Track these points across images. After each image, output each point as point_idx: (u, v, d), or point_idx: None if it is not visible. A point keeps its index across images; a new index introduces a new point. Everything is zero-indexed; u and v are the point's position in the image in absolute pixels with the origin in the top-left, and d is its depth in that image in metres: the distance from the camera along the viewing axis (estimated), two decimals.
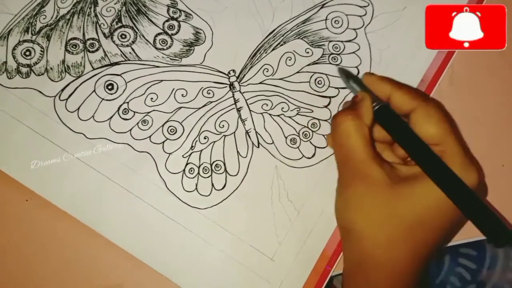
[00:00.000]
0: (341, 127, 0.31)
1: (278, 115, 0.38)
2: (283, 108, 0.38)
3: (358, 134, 0.31)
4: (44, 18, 0.38)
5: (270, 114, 0.38)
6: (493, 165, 0.38)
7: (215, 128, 0.37)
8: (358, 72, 0.39)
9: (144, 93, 0.37)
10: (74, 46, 0.38)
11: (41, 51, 0.38)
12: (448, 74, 0.39)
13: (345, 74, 0.35)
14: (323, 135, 0.38)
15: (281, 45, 0.39)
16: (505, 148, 0.39)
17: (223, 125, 0.38)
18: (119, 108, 0.37)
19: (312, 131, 0.38)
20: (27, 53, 0.37)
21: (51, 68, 0.37)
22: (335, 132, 0.32)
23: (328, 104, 0.38)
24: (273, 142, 0.38)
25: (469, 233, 0.36)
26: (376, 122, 0.32)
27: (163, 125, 0.37)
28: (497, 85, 0.39)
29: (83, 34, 0.38)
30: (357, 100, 0.33)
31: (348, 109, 0.32)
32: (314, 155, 0.38)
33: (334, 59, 0.39)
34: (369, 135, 0.31)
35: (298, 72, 0.39)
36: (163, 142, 0.37)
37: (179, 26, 0.39)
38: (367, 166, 0.30)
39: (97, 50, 0.38)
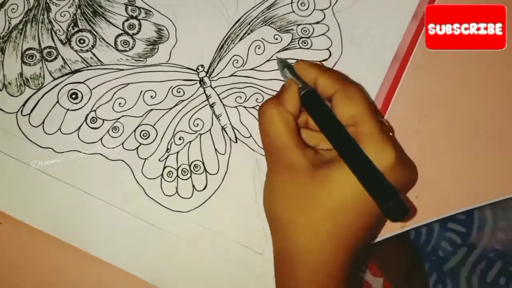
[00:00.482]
0: (264, 116, 0.31)
1: (253, 107, 0.37)
2: (257, 99, 0.37)
3: (281, 122, 0.31)
4: None
5: (244, 107, 0.37)
6: (475, 133, 0.38)
7: (189, 127, 0.36)
8: (330, 55, 0.38)
9: (111, 99, 0.36)
10: (30, 57, 0.36)
11: None
12: (421, 46, 0.38)
13: (282, 64, 0.35)
14: None
15: (248, 33, 0.37)
16: (486, 115, 0.39)
17: (197, 124, 0.36)
18: (86, 117, 0.35)
19: None
20: None
21: (9, 83, 0.35)
22: (260, 120, 0.32)
23: None
24: (251, 136, 0.36)
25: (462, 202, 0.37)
26: (303, 107, 0.32)
27: (135, 130, 0.36)
28: (495, 83, 0.39)
29: (39, 43, 0.36)
30: (283, 88, 0.33)
31: (273, 97, 0.33)
32: None
33: (304, 43, 0.38)
34: (294, 122, 0.31)
35: (268, 60, 0.37)
36: (137, 148, 0.35)
37: (140, 24, 0.37)
38: (289, 152, 0.30)
39: (55, 58, 0.36)
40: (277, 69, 0.37)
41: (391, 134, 0.35)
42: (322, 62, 0.38)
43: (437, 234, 0.52)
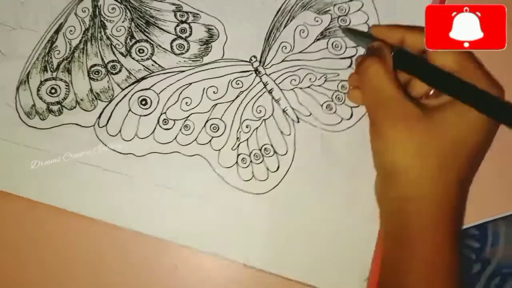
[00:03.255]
0: (370, 70, 0.33)
1: (308, 87, 0.39)
2: (310, 79, 0.39)
3: (386, 75, 0.32)
4: (58, 53, 0.38)
5: (300, 88, 0.39)
6: None
7: (253, 115, 0.38)
8: (369, 28, 0.40)
9: (178, 100, 0.38)
10: (96, 73, 0.38)
11: (66, 85, 0.38)
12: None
13: (351, 32, 0.37)
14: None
15: (291, 20, 0.40)
16: None
17: (260, 110, 0.39)
18: (158, 120, 0.37)
19: (344, 93, 0.39)
20: (53, 91, 0.37)
21: (82, 100, 0.37)
22: (364, 76, 0.33)
23: (351, 64, 0.40)
24: (310, 114, 0.39)
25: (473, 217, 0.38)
26: (395, 68, 0.34)
27: (204, 125, 0.38)
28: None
29: (102, 59, 0.38)
30: (375, 48, 0.34)
31: (370, 55, 0.34)
32: (352, 115, 0.39)
33: (343, 20, 0.40)
34: (396, 76, 0.33)
35: (313, 42, 0.40)
36: (210, 141, 0.38)
37: (190, 27, 0.39)
38: (401, 102, 0.32)
39: (119, 71, 0.38)
40: (324, 48, 0.40)
41: None
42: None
43: None
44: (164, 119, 0.38)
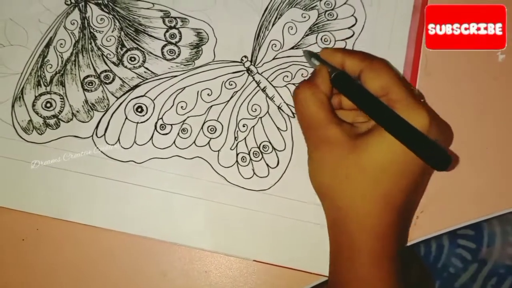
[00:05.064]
0: (299, 97, 0.34)
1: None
2: (302, 74, 0.40)
3: (315, 101, 0.33)
4: (50, 67, 0.38)
5: (293, 84, 0.40)
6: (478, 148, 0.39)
7: (249, 113, 0.39)
8: (356, 20, 0.41)
9: (173, 104, 0.38)
10: (90, 84, 0.38)
11: (60, 99, 0.38)
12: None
13: (308, 54, 0.38)
14: None
15: (279, 18, 0.40)
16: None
17: (255, 109, 0.39)
18: (155, 126, 0.38)
19: None
20: (48, 105, 0.38)
21: (78, 111, 0.38)
22: (296, 102, 0.35)
23: None
24: None
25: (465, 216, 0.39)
26: (335, 88, 0.35)
27: (202, 127, 0.38)
28: (496, 87, 0.40)
29: (94, 70, 0.38)
30: (314, 73, 0.36)
31: (305, 81, 0.35)
32: None
33: (330, 15, 0.41)
34: (327, 101, 0.34)
35: (302, 37, 0.40)
36: (208, 143, 0.38)
37: (180, 32, 0.40)
38: (326, 128, 0.33)
39: (113, 80, 0.38)
40: (313, 43, 0.40)
41: (422, 100, 0.36)
42: (351, 29, 0.41)
43: (447, 250, 0.52)
44: (161, 124, 0.38)
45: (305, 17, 0.41)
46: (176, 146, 0.38)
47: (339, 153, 0.32)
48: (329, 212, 0.34)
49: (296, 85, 0.39)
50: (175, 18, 0.40)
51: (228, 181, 0.37)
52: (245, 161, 0.38)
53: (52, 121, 0.37)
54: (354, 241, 0.32)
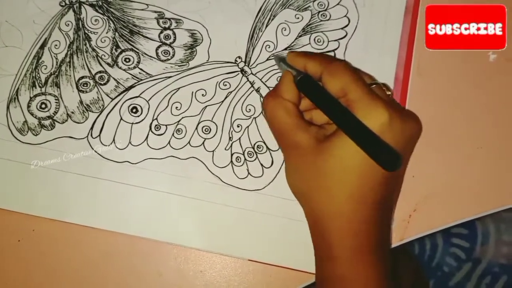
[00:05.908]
0: (266, 109, 0.35)
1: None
2: None
3: (280, 110, 0.34)
4: (45, 68, 0.38)
5: None
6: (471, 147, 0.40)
7: (243, 114, 0.39)
8: (349, 21, 0.41)
9: (168, 105, 0.38)
10: (85, 85, 0.38)
11: (55, 100, 0.38)
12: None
13: (277, 59, 0.38)
14: None
15: (272, 19, 0.41)
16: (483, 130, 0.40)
17: (249, 109, 0.39)
18: (150, 127, 0.38)
19: None
20: (43, 106, 0.38)
21: (73, 112, 0.38)
22: (264, 114, 0.36)
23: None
24: None
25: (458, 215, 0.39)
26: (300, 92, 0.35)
27: (196, 128, 0.38)
28: (489, 86, 0.40)
29: (89, 71, 0.39)
30: (279, 80, 0.36)
31: (271, 90, 0.36)
32: None
33: (323, 15, 0.41)
34: (293, 107, 0.34)
35: (296, 38, 0.41)
36: (203, 143, 0.38)
37: (174, 33, 0.40)
38: (293, 135, 0.33)
39: (107, 81, 0.38)
40: (307, 44, 0.40)
41: (389, 94, 0.35)
42: (344, 29, 0.41)
43: (442, 249, 0.52)
44: (156, 125, 0.38)
45: (298, 18, 0.41)
46: (171, 147, 0.38)
47: (307, 157, 0.33)
48: (307, 214, 0.35)
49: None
50: (169, 19, 0.40)
51: (223, 181, 0.38)
52: (240, 161, 0.38)
53: (47, 122, 0.37)
54: (332, 241, 0.32)
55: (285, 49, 0.40)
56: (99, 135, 0.37)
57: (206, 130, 0.38)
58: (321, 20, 0.41)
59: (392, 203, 0.37)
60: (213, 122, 0.39)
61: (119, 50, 0.39)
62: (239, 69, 0.40)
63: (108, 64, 0.39)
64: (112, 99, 0.38)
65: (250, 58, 0.40)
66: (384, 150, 0.30)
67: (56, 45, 0.39)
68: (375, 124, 0.31)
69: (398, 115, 0.31)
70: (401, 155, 0.30)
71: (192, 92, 0.39)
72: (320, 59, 0.35)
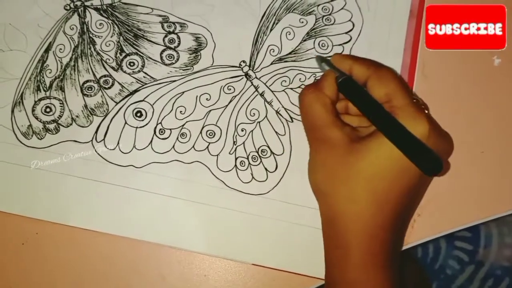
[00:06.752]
0: (304, 99, 0.35)
1: (298, 87, 0.40)
2: (300, 79, 0.40)
3: (318, 103, 0.34)
4: (50, 72, 0.38)
5: (291, 89, 0.40)
6: (474, 151, 0.40)
7: (247, 118, 0.39)
8: (354, 25, 0.41)
9: (172, 109, 0.38)
10: (89, 89, 0.38)
11: (60, 103, 0.38)
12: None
13: (320, 60, 0.38)
14: None
15: (276, 23, 0.41)
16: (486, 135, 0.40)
17: (254, 113, 0.39)
18: (155, 131, 0.38)
19: None
20: (48, 110, 0.38)
21: (77, 116, 0.38)
22: (300, 104, 0.36)
23: None
24: None
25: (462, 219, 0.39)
26: (341, 93, 0.35)
27: (201, 132, 0.38)
28: (493, 89, 0.40)
29: (94, 75, 0.39)
30: (321, 77, 0.36)
31: (311, 84, 0.36)
32: None
33: (328, 20, 0.41)
34: (330, 103, 0.35)
35: (300, 43, 0.41)
36: (207, 147, 0.38)
37: (178, 37, 0.40)
38: (327, 130, 0.34)
39: (112, 85, 0.38)
40: (311, 48, 0.40)
41: (426, 111, 0.36)
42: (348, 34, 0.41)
43: (444, 252, 0.52)
44: (160, 129, 0.38)
45: (302, 22, 0.41)
46: (175, 151, 0.38)
47: (338, 154, 0.33)
48: (324, 210, 0.35)
49: (295, 89, 0.40)
50: (174, 23, 0.40)
51: (227, 185, 0.38)
52: (244, 166, 0.38)
53: (51, 126, 0.38)
54: (347, 241, 0.32)
55: (290, 53, 0.40)
56: (104, 139, 0.37)
57: (211, 134, 0.38)
58: (326, 25, 0.41)
59: (412, 213, 0.37)
60: (218, 126, 0.39)
61: (123, 54, 0.39)
62: (244, 73, 0.40)
63: (112, 68, 0.39)
64: (117, 103, 0.38)
65: (255, 62, 0.40)
66: (427, 155, 0.30)
67: (61, 49, 0.39)
68: (415, 133, 0.31)
69: (436, 130, 0.32)
70: (442, 160, 0.30)
71: (197, 96, 0.39)
72: (368, 63, 0.35)
